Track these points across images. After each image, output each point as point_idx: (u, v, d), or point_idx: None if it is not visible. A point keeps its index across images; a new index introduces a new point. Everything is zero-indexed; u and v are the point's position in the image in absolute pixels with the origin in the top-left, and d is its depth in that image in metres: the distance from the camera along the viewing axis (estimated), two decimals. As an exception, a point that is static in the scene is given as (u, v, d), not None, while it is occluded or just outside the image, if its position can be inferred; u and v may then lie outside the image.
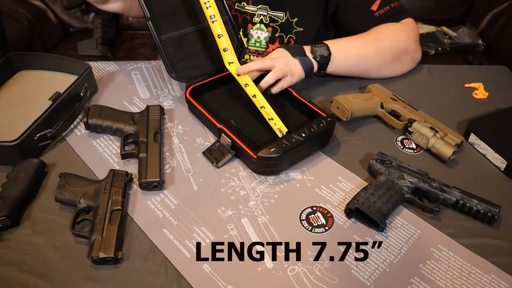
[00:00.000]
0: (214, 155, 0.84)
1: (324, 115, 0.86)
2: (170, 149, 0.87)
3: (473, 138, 0.89)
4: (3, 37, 0.97)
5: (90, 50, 1.72)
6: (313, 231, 0.72)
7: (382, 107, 0.94)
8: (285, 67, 0.92)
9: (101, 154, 0.86)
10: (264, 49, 1.13)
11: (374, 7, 1.03)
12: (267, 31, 1.11)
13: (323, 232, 0.72)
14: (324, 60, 0.96)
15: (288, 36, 1.11)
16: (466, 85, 1.07)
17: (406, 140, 0.91)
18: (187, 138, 0.89)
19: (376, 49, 1.01)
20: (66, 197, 0.74)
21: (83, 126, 0.90)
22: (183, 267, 0.67)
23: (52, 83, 1.00)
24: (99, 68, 1.09)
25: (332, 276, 0.66)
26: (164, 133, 0.90)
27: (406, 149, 0.89)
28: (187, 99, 0.92)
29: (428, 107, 0.97)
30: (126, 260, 0.68)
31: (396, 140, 0.91)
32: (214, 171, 0.82)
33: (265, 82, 0.92)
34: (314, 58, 0.95)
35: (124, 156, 0.84)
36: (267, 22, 1.10)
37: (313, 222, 0.74)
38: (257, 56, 1.15)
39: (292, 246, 0.70)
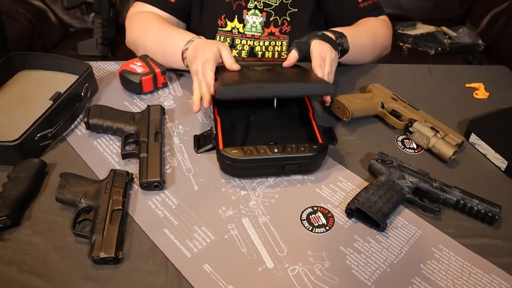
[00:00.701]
0: (200, 141, 0.85)
1: (316, 142, 0.81)
2: (170, 149, 0.87)
3: (473, 138, 0.89)
4: (3, 37, 0.97)
5: (90, 50, 1.72)
6: (313, 231, 0.72)
7: (382, 107, 0.94)
8: (336, 57, 0.92)
9: (101, 154, 0.85)
10: (260, 33, 1.14)
11: None
12: (261, 16, 1.12)
13: (324, 232, 0.72)
14: (343, 53, 0.98)
15: (282, 18, 1.12)
16: (467, 85, 1.07)
17: (407, 140, 0.91)
18: (187, 138, 0.89)
19: (374, 44, 1.08)
20: (66, 197, 0.74)
21: (84, 126, 0.89)
22: (183, 267, 0.67)
23: (53, 83, 1.00)
24: (99, 68, 1.09)
25: (332, 276, 0.66)
26: (165, 133, 0.90)
27: (407, 149, 0.89)
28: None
29: (429, 107, 0.97)
30: (127, 260, 0.68)
31: (396, 140, 0.91)
32: (214, 171, 0.82)
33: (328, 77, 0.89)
34: (341, 51, 0.96)
35: (125, 156, 0.84)
36: (261, 7, 1.11)
37: (313, 222, 0.74)
38: (253, 42, 1.14)
39: (293, 246, 0.70)
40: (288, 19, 1.12)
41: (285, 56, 1.10)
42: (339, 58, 0.96)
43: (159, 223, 0.73)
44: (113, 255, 0.65)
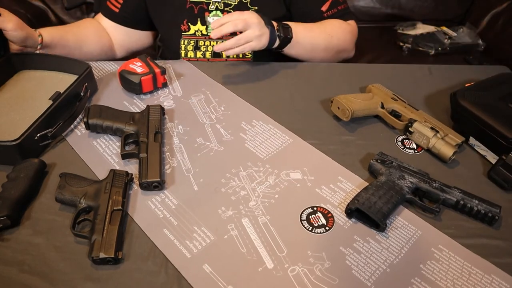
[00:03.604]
0: None
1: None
2: (170, 149, 0.87)
3: (473, 139, 0.89)
4: (3, 37, 0.97)
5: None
6: (313, 231, 0.72)
7: (382, 107, 0.94)
8: (259, 32, 0.96)
9: (101, 154, 0.85)
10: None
11: (324, 8, 1.12)
12: (223, 16, 1.12)
13: (324, 232, 0.72)
14: (285, 42, 1.02)
15: None
16: (467, 85, 1.06)
17: (407, 140, 0.91)
18: (187, 138, 0.89)
19: (327, 44, 1.10)
20: (66, 197, 0.74)
21: (83, 126, 0.89)
22: (183, 267, 0.67)
23: (53, 82, 1.00)
24: (99, 68, 1.09)
25: (332, 277, 0.66)
26: (165, 133, 0.90)
27: (407, 149, 0.89)
28: None
29: (429, 107, 0.97)
30: (127, 260, 0.68)
31: (396, 140, 0.91)
32: (214, 171, 0.82)
33: (233, 43, 0.95)
34: (279, 36, 1.00)
35: (125, 156, 0.84)
36: (222, 8, 1.12)
37: (313, 222, 0.74)
38: (216, 42, 1.15)
39: (293, 246, 0.70)
40: None
41: (249, 55, 1.15)
42: (281, 47, 1.02)
43: (159, 223, 0.73)
44: (112, 256, 0.65)
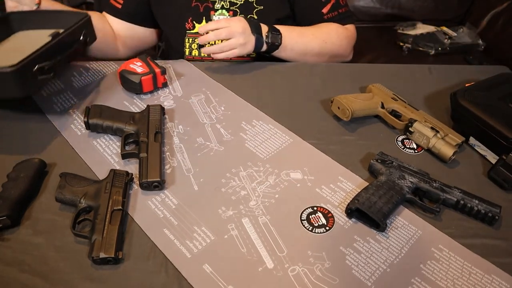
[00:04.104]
0: None
1: None
2: (170, 149, 0.87)
3: (473, 139, 0.89)
4: None
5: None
6: (313, 231, 0.72)
7: (382, 107, 0.94)
8: (243, 41, 0.99)
9: (101, 154, 0.85)
10: None
11: (325, 10, 1.13)
12: (228, 15, 1.13)
13: (324, 232, 0.72)
14: (273, 48, 1.05)
15: (249, 16, 1.13)
16: (467, 85, 1.06)
17: (407, 140, 0.91)
18: (187, 138, 0.89)
19: (320, 50, 1.12)
20: (66, 197, 0.73)
21: (84, 125, 0.89)
22: (183, 267, 0.67)
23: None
24: (99, 68, 1.09)
25: (332, 277, 0.66)
26: (165, 133, 0.90)
27: (407, 149, 0.89)
28: None
29: (429, 107, 0.97)
30: (127, 260, 0.68)
31: (396, 140, 0.91)
32: (214, 171, 0.82)
33: (217, 50, 0.98)
34: (266, 42, 1.03)
35: (125, 156, 0.84)
36: (228, 7, 1.13)
37: (313, 222, 0.74)
38: (221, 41, 1.15)
39: (293, 246, 0.70)
40: (255, 17, 1.13)
41: (255, 55, 1.14)
42: (269, 52, 1.05)
43: (159, 223, 0.73)
44: (113, 255, 0.65)
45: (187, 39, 1.16)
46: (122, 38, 1.19)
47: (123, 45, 1.21)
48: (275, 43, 1.04)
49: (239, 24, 0.99)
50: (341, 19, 1.15)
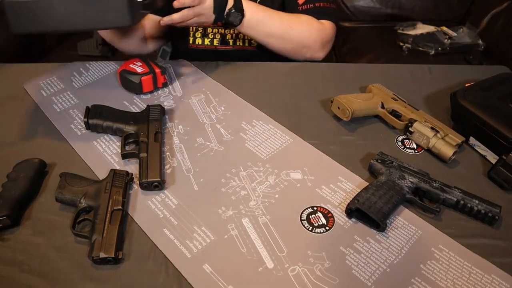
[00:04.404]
0: None
1: None
2: (170, 149, 0.87)
3: (473, 139, 0.89)
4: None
5: (90, 50, 1.72)
6: (313, 231, 0.72)
7: (382, 107, 0.94)
8: (205, 16, 0.97)
9: (101, 154, 0.85)
10: None
11: (300, 1, 1.10)
12: None
13: (324, 232, 0.72)
14: (230, 26, 1.03)
15: None
16: (467, 85, 1.06)
17: (407, 140, 0.91)
18: (187, 138, 0.89)
19: (283, 35, 1.07)
20: (66, 197, 0.74)
21: (84, 126, 0.89)
22: (183, 267, 0.67)
23: None
24: (99, 68, 1.09)
25: (332, 277, 0.66)
26: (165, 133, 0.90)
27: (407, 149, 0.89)
28: None
29: (429, 107, 0.97)
30: (127, 260, 0.68)
31: (396, 140, 0.91)
32: (214, 171, 0.82)
33: (178, 19, 0.94)
34: (225, 19, 1.00)
35: (125, 156, 0.84)
36: None
37: (313, 222, 0.74)
38: (224, 30, 1.16)
39: (293, 246, 0.70)
40: None
41: (256, 45, 1.14)
42: (226, 27, 1.07)
43: (159, 223, 0.73)
44: (113, 255, 0.65)
45: (191, 27, 1.16)
46: (147, 30, 1.17)
47: (150, 39, 1.20)
48: (233, 23, 1.01)
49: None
50: (317, 13, 1.10)
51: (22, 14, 0.78)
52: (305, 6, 1.10)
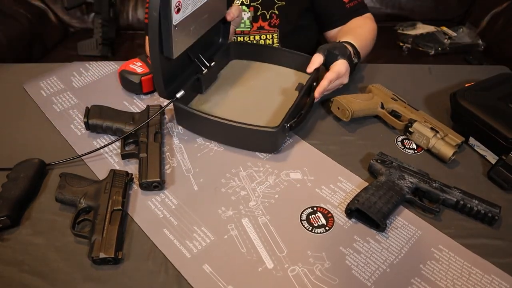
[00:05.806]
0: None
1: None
2: (170, 149, 0.87)
3: (473, 140, 0.89)
4: (227, 25, 0.98)
5: (90, 50, 1.72)
6: (313, 231, 0.72)
7: (382, 107, 0.94)
8: (347, 80, 0.98)
9: (101, 154, 0.85)
10: (249, 29, 1.16)
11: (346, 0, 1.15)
12: (249, 11, 1.13)
13: (324, 232, 0.72)
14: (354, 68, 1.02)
15: (270, 11, 1.13)
16: (467, 85, 1.06)
17: (407, 140, 0.91)
18: (187, 138, 0.89)
19: (371, 48, 1.14)
20: (66, 197, 0.74)
21: (83, 126, 0.89)
22: (183, 267, 0.67)
23: (273, 74, 1.02)
24: (99, 68, 1.09)
25: (332, 277, 0.66)
26: (165, 133, 0.90)
27: (407, 149, 0.89)
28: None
29: (429, 107, 0.97)
30: (127, 260, 0.68)
31: (396, 140, 0.91)
32: (214, 171, 0.82)
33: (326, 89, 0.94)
34: (355, 64, 1.02)
35: (125, 156, 0.84)
36: (248, 2, 1.13)
37: (313, 223, 0.74)
38: (243, 38, 1.17)
39: (293, 246, 0.70)
40: (276, 12, 1.12)
41: (277, 31, 1.14)
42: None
43: (159, 223, 0.73)
44: (112, 255, 0.65)
45: None
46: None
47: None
48: (358, 63, 1.03)
49: (343, 67, 0.95)
50: (360, 8, 1.16)
51: None
52: (351, 3, 1.15)
